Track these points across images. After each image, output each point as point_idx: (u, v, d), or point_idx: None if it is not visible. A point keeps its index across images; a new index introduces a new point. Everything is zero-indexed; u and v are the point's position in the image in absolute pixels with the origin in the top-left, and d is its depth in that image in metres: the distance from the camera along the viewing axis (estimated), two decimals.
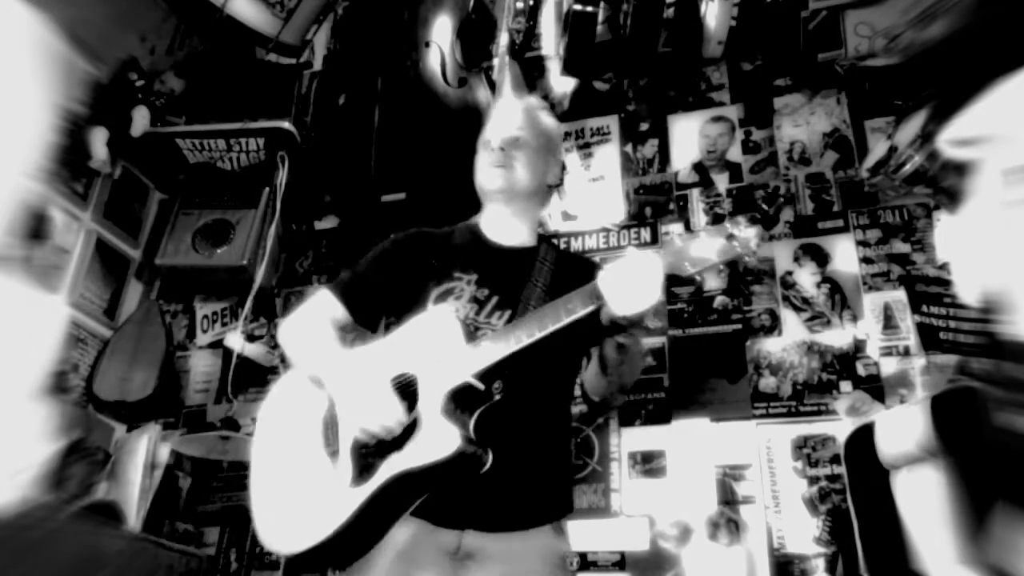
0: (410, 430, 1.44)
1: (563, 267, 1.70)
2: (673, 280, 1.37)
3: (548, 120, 1.87)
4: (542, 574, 1.51)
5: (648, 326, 1.45)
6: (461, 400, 1.45)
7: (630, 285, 1.35)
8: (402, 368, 1.51)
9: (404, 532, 1.47)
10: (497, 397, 1.45)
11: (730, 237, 1.34)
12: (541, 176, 1.78)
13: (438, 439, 1.41)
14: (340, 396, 1.52)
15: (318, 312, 1.69)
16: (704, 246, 1.35)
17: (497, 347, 1.44)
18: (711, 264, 1.35)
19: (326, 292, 1.72)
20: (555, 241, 1.81)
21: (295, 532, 1.50)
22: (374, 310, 1.71)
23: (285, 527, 1.53)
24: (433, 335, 1.52)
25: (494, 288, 1.63)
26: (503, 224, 1.77)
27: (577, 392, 1.78)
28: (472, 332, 1.52)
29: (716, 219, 2.81)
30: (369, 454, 1.47)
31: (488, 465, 1.43)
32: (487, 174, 1.76)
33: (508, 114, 1.84)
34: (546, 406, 1.64)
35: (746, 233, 1.34)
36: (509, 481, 1.50)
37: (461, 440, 1.40)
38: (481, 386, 1.44)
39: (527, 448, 1.56)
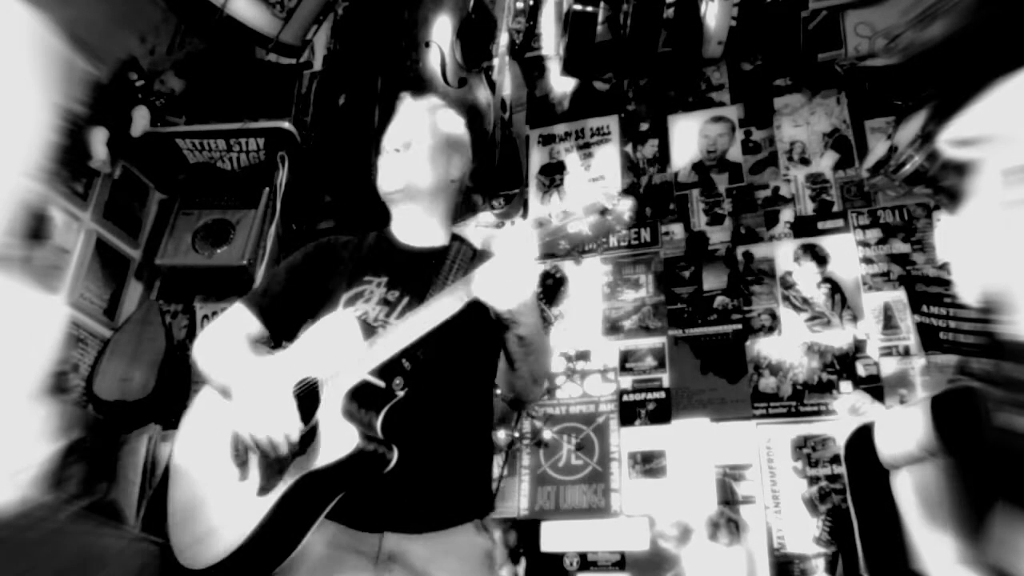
0: (312, 433, 1.43)
1: (476, 265, 1.65)
2: (549, 257, 1.39)
3: (448, 118, 1.86)
4: (465, 572, 1.50)
5: (546, 317, 1.49)
6: (365, 399, 1.43)
7: (506, 280, 1.36)
8: (304, 373, 1.50)
9: (322, 538, 1.44)
10: (400, 394, 1.43)
11: (604, 212, 1.35)
12: (442, 172, 1.77)
13: (337, 439, 1.39)
14: (237, 408, 1.48)
15: (232, 326, 1.68)
16: (579, 223, 1.36)
17: (389, 343, 1.43)
18: (585, 238, 1.37)
19: (240, 306, 1.71)
20: (467, 240, 1.83)
21: (205, 546, 1.47)
22: (290, 321, 1.69)
23: (196, 542, 1.50)
24: (333, 337, 1.51)
25: (404, 289, 1.62)
26: (412, 225, 1.76)
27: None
28: (372, 330, 1.50)
29: (715, 219, 2.81)
30: (274, 462, 1.44)
31: (393, 463, 1.41)
32: (383, 176, 1.76)
33: (404, 118, 1.83)
34: (458, 402, 1.61)
35: (620, 207, 1.35)
36: (424, 480, 1.49)
37: (360, 438, 1.38)
38: (381, 383, 1.43)
39: (440, 445, 1.55)
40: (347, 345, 1.47)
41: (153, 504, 2.94)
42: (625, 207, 1.35)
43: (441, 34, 3.05)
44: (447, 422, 1.58)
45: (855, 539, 1.84)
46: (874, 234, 2.59)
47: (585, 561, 2.46)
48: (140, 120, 3.16)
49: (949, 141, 1.16)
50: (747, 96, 2.95)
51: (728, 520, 2.35)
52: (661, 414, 2.59)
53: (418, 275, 1.63)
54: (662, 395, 2.61)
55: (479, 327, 1.48)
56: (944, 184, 2.26)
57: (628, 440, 2.59)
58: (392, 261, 1.70)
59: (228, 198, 3.26)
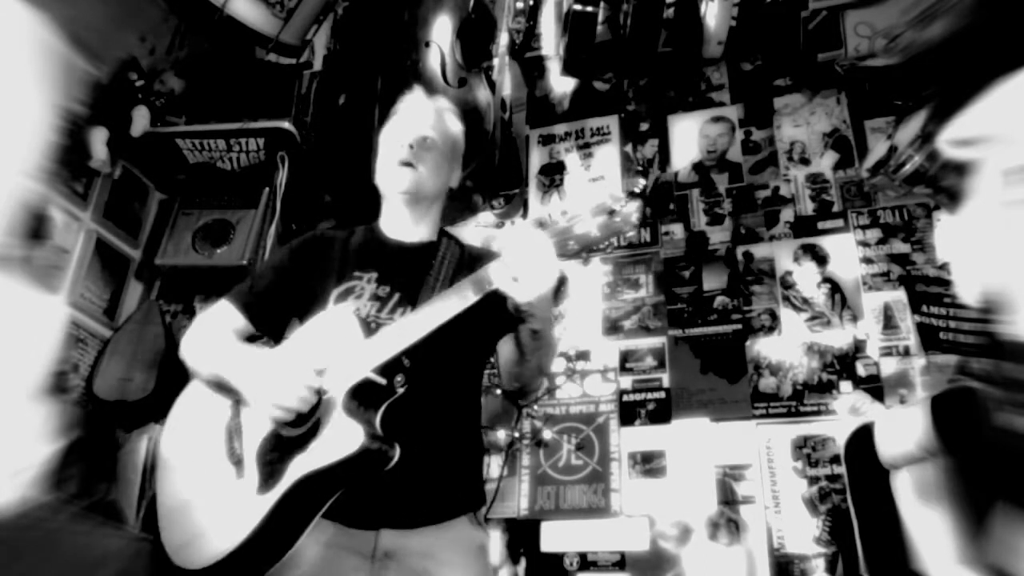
0: (313, 430, 1.42)
1: (465, 260, 1.69)
2: (559, 258, 1.37)
3: (456, 124, 1.84)
4: (463, 565, 1.51)
5: (555, 311, 1.50)
6: (364, 396, 1.43)
7: (526, 272, 1.36)
8: None
9: (318, 537, 1.44)
10: (400, 391, 1.44)
11: (611, 213, 1.35)
12: (445, 179, 1.77)
13: (341, 437, 1.39)
14: (246, 387, 1.48)
15: (218, 322, 1.68)
16: (587, 224, 1.36)
17: (394, 341, 1.43)
18: (594, 239, 1.37)
19: (225, 302, 1.70)
20: (455, 236, 1.83)
21: (202, 545, 1.45)
22: (276, 318, 1.68)
23: (192, 541, 1.48)
24: (332, 334, 1.50)
25: (395, 285, 1.62)
26: (403, 222, 1.75)
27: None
28: (370, 328, 1.51)
29: (715, 219, 2.81)
30: (274, 459, 1.44)
31: (395, 461, 1.40)
32: (393, 173, 1.71)
33: (418, 112, 1.79)
34: (453, 397, 1.63)
35: (627, 209, 1.35)
36: (421, 475, 1.49)
37: (365, 437, 1.38)
38: (383, 381, 1.43)
39: (437, 441, 1.55)
40: (347, 342, 1.47)
41: (153, 504, 2.95)
42: (632, 208, 1.35)
43: (441, 34, 3.05)
44: (443, 418, 1.59)
45: (855, 539, 1.84)
46: (874, 234, 2.59)
47: (585, 561, 2.46)
48: (140, 120, 3.16)
49: (949, 141, 1.16)
50: (747, 96, 2.95)
51: (728, 520, 2.35)
52: (661, 414, 2.59)
53: (408, 271, 1.64)
54: (662, 395, 2.61)
55: (476, 323, 1.48)
56: (944, 184, 2.26)
57: (628, 440, 2.59)
58: (382, 257, 1.69)
59: (228, 198, 3.26)
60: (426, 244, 1.72)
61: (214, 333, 1.66)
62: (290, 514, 1.42)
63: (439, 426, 1.57)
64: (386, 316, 1.57)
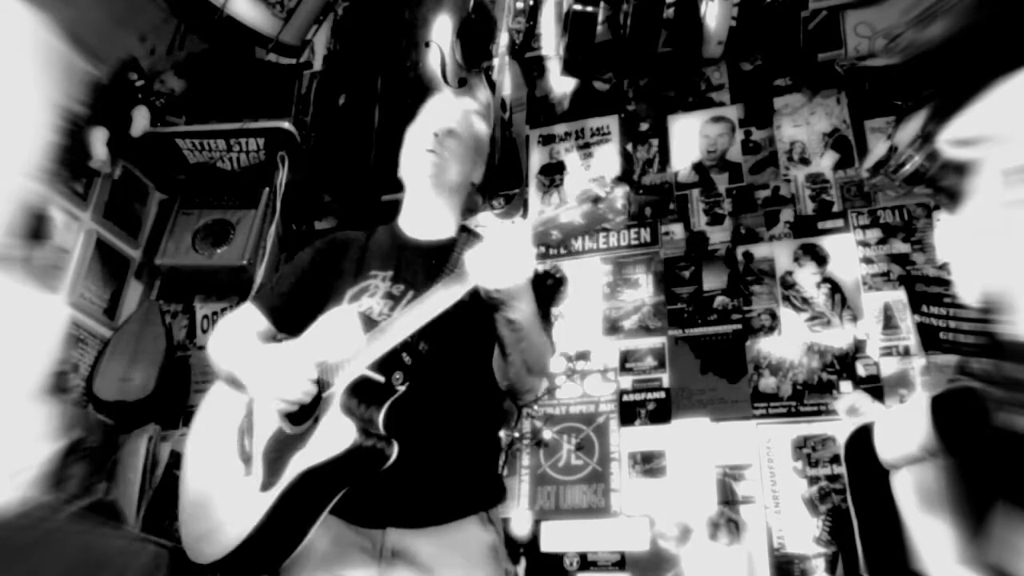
0: (313, 427, 1.44)
1: None
2: (543, 247, 1.35)
3: (481, 124, 1.88)
4: (467, 567, 1.49)
5: (554, 312, 1.41)
6: (366, 395, 1.43)
7: (496, 260, 1.33)
8: None
9: (326, 534, 1.45)
10: (401, 389, 1.42)
11: (596, 200, 1.32)
12: (468, 173, 1.79)
13: (334, 434, 1.40)
14: (251, 381, 1.50)
15: (240, 323, 1.70)
16: (572, 213, 1.33)
17: (386, 337, 1.42)
18: (578, 228, 1.33)
19: (249, 304, 1.73)
20: (476, 230, 1.81)
21: (212, 541, 1.49)
22: (296, 318, 1.67)
23: (204, 536, 1.52)
24: (335, 333, 1.50)
25: (409, 283, 1.62)
26: (423, 217, 1.75)
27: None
28: (372, 325, 1.49)
29: (715, 219, 2.81)
30: (276, 457, 1.45)
31: (393, 458, 1.40)
32: (418, 158, 1.74)
33: (445, 107, 1.84)
34: (463, 396, 1.60)
35: (613, 195, 1.31)
36: (426, 474, 1.48)
37: (357, 433, 1.38)
38: (380, 378, 1.42)
39: (444, 439, 1.54)
40: (347, 340, 1.47)
41: (154, 504, 2.95)
42: (618, 195, 1.31)
43: (441, 34, 3.05)
44: (451, 416, 1.56)
45: (855, 539, 1.84)
46: (874, 234, 2.59)
47: (585, 561, 2.46)
48: (140, 120, 3.16)
49: (949, 141, 1.16)
50: (747, 96, 2.95)
51: (728, 520, 2.35)
52: (661, 414, 2.59)
53: (423, 268, 1.63)
54: (662, 395, 2.61)
55: (484, 320, 1.47)
56: (944, 184, 2.25)
57: (628, 440, 2.59)
58: (399, 255, 1.70)
59: (228, 198, 3.27)
60: (444, 241, 1.70)
61: (235, 334, 1.67)
62: (292, 511, 1.43)
63: (446, 424, 1.55)
64: (398, 314, 1.55)
